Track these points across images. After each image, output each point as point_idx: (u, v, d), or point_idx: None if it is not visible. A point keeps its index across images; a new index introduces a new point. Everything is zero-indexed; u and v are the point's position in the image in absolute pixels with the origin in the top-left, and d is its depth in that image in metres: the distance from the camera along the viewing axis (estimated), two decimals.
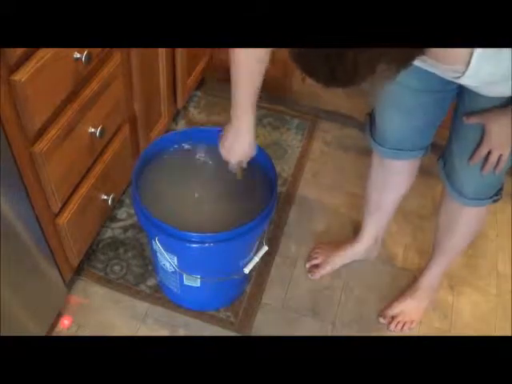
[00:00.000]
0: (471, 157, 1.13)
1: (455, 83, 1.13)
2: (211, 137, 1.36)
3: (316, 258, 1.62)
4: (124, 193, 1.66)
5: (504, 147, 1.09)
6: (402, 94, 1.18)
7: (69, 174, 1.21)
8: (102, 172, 1.36)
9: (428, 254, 1.50)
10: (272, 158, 1.31)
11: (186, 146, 1.37)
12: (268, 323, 1.50)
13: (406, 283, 1.59)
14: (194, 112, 2.05)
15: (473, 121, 1.09)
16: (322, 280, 1.60)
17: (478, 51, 0.83)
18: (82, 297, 1.50)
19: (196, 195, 1.31)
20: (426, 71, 1.12)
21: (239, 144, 1.19)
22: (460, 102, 1.16)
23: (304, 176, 1.88)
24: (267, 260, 1.61)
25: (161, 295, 1.51)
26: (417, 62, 0.94)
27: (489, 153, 1.10)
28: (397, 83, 1.14)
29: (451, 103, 1.23)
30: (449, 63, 0.92)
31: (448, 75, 0.96)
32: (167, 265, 1.31)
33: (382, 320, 1.52)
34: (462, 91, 1.17)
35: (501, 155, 1.10)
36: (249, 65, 1.12)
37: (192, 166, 1.35)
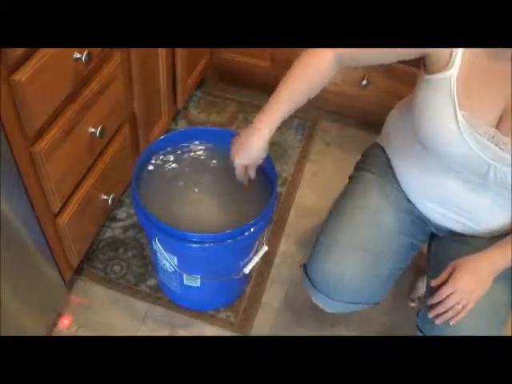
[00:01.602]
0: (434, 280, 1.07)
1: (427, 231, 1.21)
2: (211, 136, 1.37)
3: None
4: (124, 193, 1.66)
5: (469, 295, 1.02)
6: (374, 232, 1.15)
7: (69, 174, 1.21)
8: (102, 172, 1.36)
9: None
10: (272, 158, 1.31)
11: (186, 146, 1.37)
12: (268, 323, 1.50)
13: (410, 282, 1.59)
14: (193, 112, 2.05)
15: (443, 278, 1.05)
16: None
17: None
18: (82, 297, 1.50)
19: (196, 195, 1.31)
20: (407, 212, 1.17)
21: (248, 145, 1.09)
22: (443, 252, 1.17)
23: (304, 176, 1.88)
24: (267, 260, 1.61)
25: (161, 295, 1.51)
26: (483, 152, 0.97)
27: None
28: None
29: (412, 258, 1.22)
30: None
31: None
32: (167, 265, 1.31)
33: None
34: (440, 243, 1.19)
35: (463, 305, 1.02)
36: (315, 74, 1.06)
37: (192, 166, 1.35)
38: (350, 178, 1.31)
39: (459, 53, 0.94)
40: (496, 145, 0.96)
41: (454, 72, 0.95)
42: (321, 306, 1.21)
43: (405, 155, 1.17)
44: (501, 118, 0.96)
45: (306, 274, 1.18)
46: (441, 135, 1.00)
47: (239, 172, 1.15)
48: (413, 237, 1.19)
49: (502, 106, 0.95)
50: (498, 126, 0.96)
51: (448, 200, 1.11)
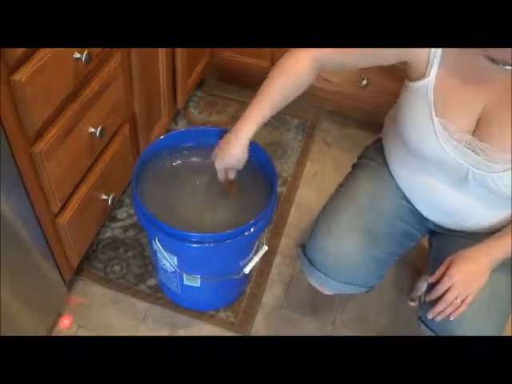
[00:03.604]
0: (431, 275, 1.07)
1: (426, 225, 1.22)
2: (211, 137, 1.36)
3: None
4: (124, 193, 1.66)
5: (467, 287, 1.02)
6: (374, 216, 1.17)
7: (69, 174, 1.21)
8: (102, 172, 1.36)
9: None
10: (272, 158, 1.31)
11: (186, 146, 1.37)
12: (268, 323, 1.50)
13: (410, 282, 1.59)
14: (194, 112, 2.05)
15: (439, 273, 1.05)
16: None
17: None
18: (81, 297, 1.50)
19: (196, 195, 1.31)
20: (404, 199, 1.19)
21: (227, 151, 1.14)
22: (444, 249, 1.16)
23: (304, 176, 1.88)
24: (267, 260, 1.61)
25: (161, 295, 1.52)
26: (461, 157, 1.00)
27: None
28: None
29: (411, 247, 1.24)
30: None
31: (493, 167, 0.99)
32: (167, 265, 1.31)
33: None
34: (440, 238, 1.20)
35: (462, 299, 1.02)
36: (295, 77, 1.08)
37: (192, 166, 1.35)
38: (353, 166, 1.33)
39: (436, 62, 0.97)
40: (473, 151, 0.99)
41: (430, 80, 0.99)
42: (318, 287, 1.22)
43: (395, 155, 1.20)
44: (477, 124, 0.99)
45: (305, 254, 1.19)
46: (420, 140, 1.04)
47: (220, 175, 1.21)
48: (411, 225, 1.21)
49: (479, 113, 0.99)
50: (475, 133, 0.99)
51: (435, 198, 1.13)
